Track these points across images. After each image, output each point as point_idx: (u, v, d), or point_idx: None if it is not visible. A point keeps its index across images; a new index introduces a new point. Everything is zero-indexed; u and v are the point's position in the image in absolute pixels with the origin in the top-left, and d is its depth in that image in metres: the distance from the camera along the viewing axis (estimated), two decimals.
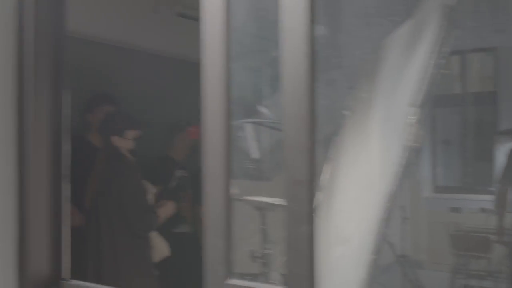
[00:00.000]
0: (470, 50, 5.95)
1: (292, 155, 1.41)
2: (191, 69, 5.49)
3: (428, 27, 2.03)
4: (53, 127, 1.98)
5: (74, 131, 2.18)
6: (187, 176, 4.79)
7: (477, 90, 6.99)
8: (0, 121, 1.94)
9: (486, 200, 7.25)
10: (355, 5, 2.29)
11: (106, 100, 3.99)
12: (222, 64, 1.56)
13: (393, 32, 2.42)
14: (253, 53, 2.13)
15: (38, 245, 1.98)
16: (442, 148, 7.09)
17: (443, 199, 7.16)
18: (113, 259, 3.48)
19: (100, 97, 3.98)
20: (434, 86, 1.93)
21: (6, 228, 1.95)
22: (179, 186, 4.71)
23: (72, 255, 2.03)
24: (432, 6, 2.03)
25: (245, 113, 2.32)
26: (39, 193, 1.97)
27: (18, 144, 1.96)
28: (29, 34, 1.94)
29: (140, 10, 4.95)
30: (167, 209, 4.02)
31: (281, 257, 2.88)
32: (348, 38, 2.23)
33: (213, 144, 1.59)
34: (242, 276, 1.67)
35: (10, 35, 1.94)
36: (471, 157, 7.13)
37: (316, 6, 1.33)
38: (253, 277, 2.62)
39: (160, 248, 4.05)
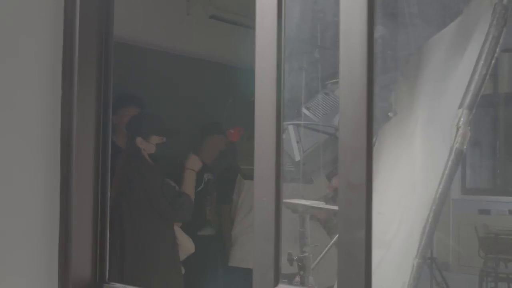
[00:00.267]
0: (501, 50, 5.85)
1: (348, 159, 1.37)
2: (222, 72, 5.51)
3: (478, 26, 1.99)
4: (97, 131, 1.97)
5: None
6: (214, 180, 4.78)
7: (508, 90, 6.91)
8: (46, 125, 1.93)
9: None
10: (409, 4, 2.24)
11: (131, 101, 3.99)
12: (274, 67, 1.54)
13: (436, 32, 2.37)
14: (294, 55, 2.10)
15: (82, 248, 1.97)
16: (471, 150, 7.01)
17: (472, 201, 7.09)
18: (136, 259, 3.48)
19: (126, 98, 3.98)
20: (483, 87, 1.89)
21: (50, 232, 1.94)
22: (206, 189, 4.70)
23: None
24: (483, 5, 1.99)
25: (286, 115, 2.29)
26: (83, 197, 1.96)
27: (63, 148, 1.96)
28: (75, 36, 1.93)
29: (173, 12, 4.95)
30: (192, 162, 4.01)
31: (318, 261, 2.85)
32: (393, 39, 2.19)
33: (264, 148, 1.57)
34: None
35: (56, 37, 1.93)
36: (500, 159, 7.04)
37: (375, 6, 1.30)
38: (289, 279, 2.59)
39: (185, 245, 4.04)
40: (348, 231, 1.38)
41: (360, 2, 1.32)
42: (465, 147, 1.88)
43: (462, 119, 1.88)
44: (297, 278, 2.65)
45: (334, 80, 2.35)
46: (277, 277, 1.57)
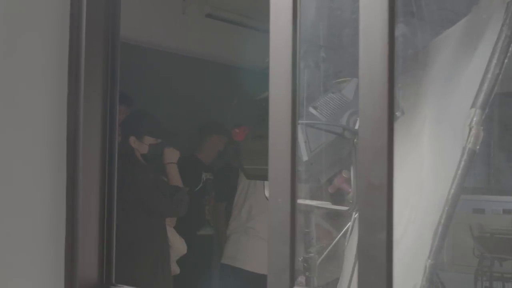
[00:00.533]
0: None
1: (368, 159, 1.35)
2: (219, 71, 5.48)
3: (489, 25, 1.97)
4: (104, 129, 1.94)
5: None
6: (212, 179, 4.77)
7: (500, 91, 6.90)
8: (52, 124, 1.90)
9: (511, 201, 7.18)
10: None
11: (120, 100, 3.96)
12: (289, 66, 1.51)
13: (443, 30, 2.36)
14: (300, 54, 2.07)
15: (88, 250, 1.93)
16: None
17: (466, 200, 7.08)
18: (126, 258, 3.44)
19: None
20: (496, 87, 1.87)
21: (56, 232, 1.91)
22: (204, 188, 4.69)
23: None
24: (494, 4, 1.97)
25: None
26: (90, 197, 1.93)
27: (69, 147, 1.92)
28: (81, 33, 1.90)
29: (168, 10, 4.92)
30: (169, 155, 3.95)
31: (323, 262, 2.83)
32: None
33: (279, 148, 1.54)
34: None
35: (62, 34, 1.90)
36: (495, 158, 7.05)
37: (396, 3, 1.27)
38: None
39: (177, 246, 4.01)
40: (369, 233, 1.35)
41: None
42: (477, 147, 1.86)
43: (474, 119, 1.86)
44: (299, 278, 2.63)
45: (341, 79, 2.32)
46: (293, 279, 1.54)
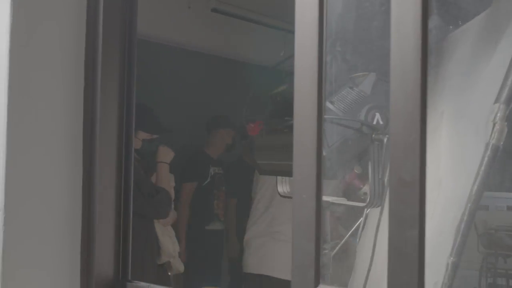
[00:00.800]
0: None
1: (399, 154, 1.32)
2: (227, 66, 5.44)
3: (511, 18, 1.94)
4: (120, 124, 1.90)
5: None
6: (222, 173, 4.74)
7: None
8: (69, 118, 1.86)
9: None
10: None
11: None
12: (315, 62, 1.48)
13: (459, 25, 2.32)
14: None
15: (105, 245, 1.90)
16: None
17: None
18: None
19: None
20: None
21: (73, 227, 1.88)
22: (213, 183, 4.66)
23: None
24: None
25: None
26: (106, 192, 1.89)
27: (85, 141, 1.89)
28: (98, 28, 1.86)
29: (174, 5, 4.88)
30: (163, 154, 3.86)
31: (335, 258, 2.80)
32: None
33: (304, 144, 1.51)
34: None
35: (79, 28, 1.86)
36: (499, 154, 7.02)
37: None
38: None
39: (167, 248, 3.89)
40: (400, 230, 1.33)
41: None
42: (501, 143, 1.83)
43: (498, 114, 1.82)
44: None
45: (358, 74, 2.29)
46: (318, 277, 1.51)
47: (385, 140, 2.10)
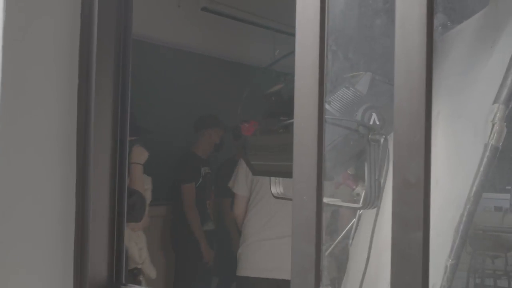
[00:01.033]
0: None
1: (403, 155, 1.29)
2: (216, 65, 5.41)
3: (511, 18, 1.92)
4: (115, 123, 1.86)
5: None
6: (211, 173, 4.72)
7: None
8: (62, 117, 1.82)
9: (502, 198, 7.20)
10: None
11: None
12: (316, 60, 1.45)
13: (457, 24, 2.31)
14: None
15: (98, 248, 1.86)
16: None
17: None
18: None
19: None
20: None
21: (66, 230, 1.83)
22: (205, 183, 4.64)
23: None
24: None
25: None
26: (100, 194, 1.86)
27: (79, 141, 1.85)
28: (93, 25, 1.82)
29: (163, 3, 4.84)
30: (136, 155, 3.77)
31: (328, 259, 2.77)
32: None
33: (305, 144, 1.48)
34: None
35: (74, 25, 1.82)
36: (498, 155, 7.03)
37: None
38: None
39: (132, 255, 3.80)
40: (404, 232, 1.30)
41: None
42: (500, 143, 1.81)
43: (498, 114, 1.81)
44: None
45: (354, 73, 2.26)
46: (318, 280, 1.49)
47: (382, 140, 2.08)
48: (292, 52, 2.11)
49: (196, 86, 5.12)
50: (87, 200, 1.84)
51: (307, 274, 1.48)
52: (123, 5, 1.88)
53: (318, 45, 1.46)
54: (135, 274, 3.82)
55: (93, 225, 1.85)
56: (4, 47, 1.68)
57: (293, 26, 1.54)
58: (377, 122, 2.11)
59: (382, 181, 2.20)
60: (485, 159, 1.83)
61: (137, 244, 3.81)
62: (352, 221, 2.86)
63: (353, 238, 2.86)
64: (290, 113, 1.92)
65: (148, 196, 3.77)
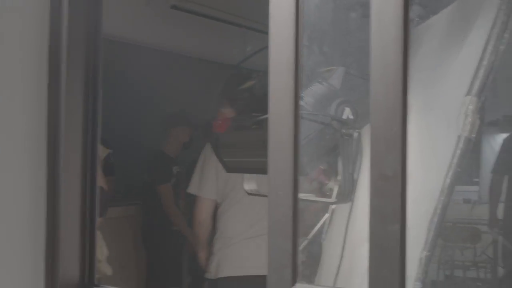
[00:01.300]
0: None
1: (380, 148, 1.29)
2: (185, 63, 5.37)
3: (481, 12, 1.94)
4: (86, 125, 1.83)
5: None
6: (182, 172, 4.68)
7: None
8: (31, 119, 1.78)
9: (470, 191, 7.29)
10: None
11: None
12: (292, 54, 1.44)
13: (428, 17, 2.32)
14: None
15: (70, 249, 1.83)
16: None
17: None
18: None
19: None
20: (492, 74, 1.83)
21: (36, 233, 1.79)
22: (176, 182, 4.60)
23: None
24: None
25: None
26: (71, 196, 1.82)
27: (50, 143, 1.81)
28: (63, 33, 1.78)
29: (131, 1, 4.79)
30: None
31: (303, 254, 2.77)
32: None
33: (280, 138, 1.47)
34: None
35: (43, 35, 1.78)
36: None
37: None
38: None
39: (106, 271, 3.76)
40: (381, 225, 1.30)
41: None
42: (473, 135, 1.83)
43: (470, 106, 1.82)
44: None
45: (327, 68, 2.26)
46: (295, 276, 1.47)
47: (355, 134, 2.08)
48: (263, 48, 2.10)
49: (166, 84, 5.08)
50: (58, 201, 1.80)
51: (284, 270, 1.47)
52: (92, 3, 1.85)
53: (293, 39, 1.45)
54: None
55: (64, 225, 1.81)
56: None
57: (264, 24, 1.53)
58: (351, 117, 2.11)
59: (355, 175, 2.20)
60: (458, 151, 1.84)
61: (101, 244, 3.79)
62: (325, 216, 2.87)
63: (326, 233, 2.86)
64: (263, 109, 1.91)
65: (108, 190, 3.74)
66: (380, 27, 1.27)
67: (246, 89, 2.47)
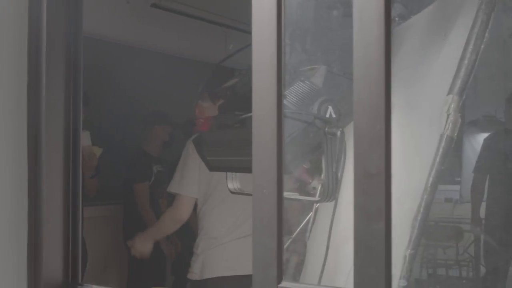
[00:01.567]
0: None
1: (364, 146, 1.29)
2: (165, 62, 5.35)
3: (462, 11, 1.95)
4: (67, 123, 1.81)
5: None
6: (163, 171, 4.67)
7: None
8: (11, 117, 1.76)
9: (452, 190, 7.34)
10: None
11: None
12: (274, 51, 1.44)
13: (409, 17, 2.33)
14: None
15: (53, 248, 1.82)
16: None
17: None
18: None
19: None
20: (473, 73, 1.85)
21: (18, 233, 1.78)
22: (157, 181, 4.58)
23: None
24: None
25: None
26: (54, 194, 1.80)
27: (30, 141, 1.79)
28: (42, 32, 1.77)
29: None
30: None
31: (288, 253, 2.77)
32: None
33: (264, 136, 1.47)
34: None
35: (22, 34, 1.76)
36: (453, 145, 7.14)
37: None
38: None
39: None
40: (366, 223, 1.30)
41: None
42: (455, 134, 1.84)
43: (452, 105, 1.83)
44: None
45: (309, 67, 2.26)
46: (280, 273, 1.48)
47: (339, 133, 2.08)
48: (245, 47, 2.09)
49: (147, 83, 5.06)
50: (40, 200, 1.79)
51: (269, 268, 1.47)
52: (72, 1, 1.84)
53: (276, 37, 1.45)
54: None
55: (47, 225, 1.80)
56: None
57: (244, 23, 1.53)
58: (333, 115, 2.12)
59: (339, 173, 2.20)
60: (440, 150, 1.85)
61: None
62: (309, 215, 2.87)
63: (310, 232, 2.87)
64: (245, 107, 1.91)
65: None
66: (362, 26, 1.27)
67: (228, 87, 2.46)
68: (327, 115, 2.12)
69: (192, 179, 3.55)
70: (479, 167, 5.13)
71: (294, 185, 2.63)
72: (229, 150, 2.42)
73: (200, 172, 3.50)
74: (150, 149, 4.72)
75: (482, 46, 1.83)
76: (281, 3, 1.45)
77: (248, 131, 1.59)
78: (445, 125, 1.85)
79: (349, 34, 1.34)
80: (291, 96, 2.16)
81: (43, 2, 1.79)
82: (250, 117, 1.60)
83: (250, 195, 1.66)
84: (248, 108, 1.61)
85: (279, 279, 1.47)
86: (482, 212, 5.14)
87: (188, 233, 4.53)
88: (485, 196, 5.04)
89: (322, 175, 2.19)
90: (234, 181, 2.58)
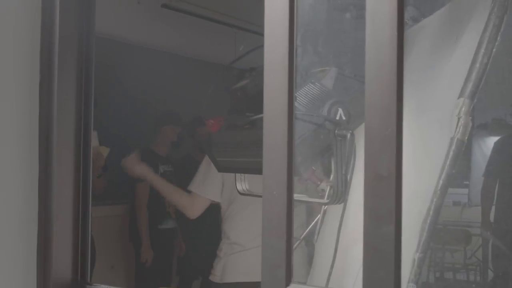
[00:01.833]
0: None
1: (375, 148, 1.29)
2: (176, 62, 5.35)
3: (474, 14, 1.94)
4: (78, 128, 1.82)
5: None
6: (171, 171, 4.67)
7: None
8: (23, 117, 1.77)
9: (460, 193, 7.31)
10: None
11: None
12: (286, 53, 1.44)
13: (421, 19, 2.33)
14: None
15: (62, 248, 1.82)
16: None
17: None
18: None
19: None
20: (485, 76, 1.84)
21: (28, 231, 1.78)
22: None
23: None
24: None
25: None
26: (64, 193, 1.81)
27: (41, 141, 1.80)
28: (55, 31, 1.77)
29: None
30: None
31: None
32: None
33: (274, 138, 1.47)
34: None
35: (35, 34, 1.77)
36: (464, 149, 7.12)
37: None
38: None
39: None
40: (376, 225, 1.30)
41: None
42: (466, 137, 1.83)
43: (463, 109, 1.82)
44: None
45: (320, 69, 2.26)
46: (289, 276, 1.47)
47: (348, 135, 2.08)
48: (255, 48, 2.09)
49: (155, 83, 5.07)
50: (50, 199, 1.80)
51: (278, 269, 1.47)
52: (85, 1, 1.84)
53: (288, 39, 1.45)
54: None
55: (57, 224, 1.80)
56: None
57: (254, 24, 1.53)
58: (343, 117, 2.12)
59: (348, 176, 2.20)
60: (451, 153, 1.84)
61: None
62: (317, 217, 2.86)
63: (318, 234, 2.86)
64: (256, 108, 1.91)
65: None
66: (374, 28, 1.27)
67: (239, 88, 2.46)
68: (337, 117, 2.12)
69: (215, 183, 3.56)
70: (489, 171, 5.09)
71: (303, 186, 2.63)
72: (239, 151, 2.42)
73: (224, 177, 3.49)
74: (158, 149, 4.73)
75: (494, 50, 1.82)
76: (294, 4, 1.45)
77: (258, 133, 1.59)
78: (456, 128, 1.85)
79: (360, 36, 1.34)
80: (301, 98, 2.16)
81: (56, 2, 1.80)
82: (260, 119, 1.60)
83: (259, 196, 1.66)
84: (258, 110, 1.61)
85: (288, 281, 1.47)
86: (491, 216, 5.11)
87: (203, 233, 4.54)
88: (495, 200, 5.00)
89: (331, 177, 2.19)
90: (243, 182, 2.58)
